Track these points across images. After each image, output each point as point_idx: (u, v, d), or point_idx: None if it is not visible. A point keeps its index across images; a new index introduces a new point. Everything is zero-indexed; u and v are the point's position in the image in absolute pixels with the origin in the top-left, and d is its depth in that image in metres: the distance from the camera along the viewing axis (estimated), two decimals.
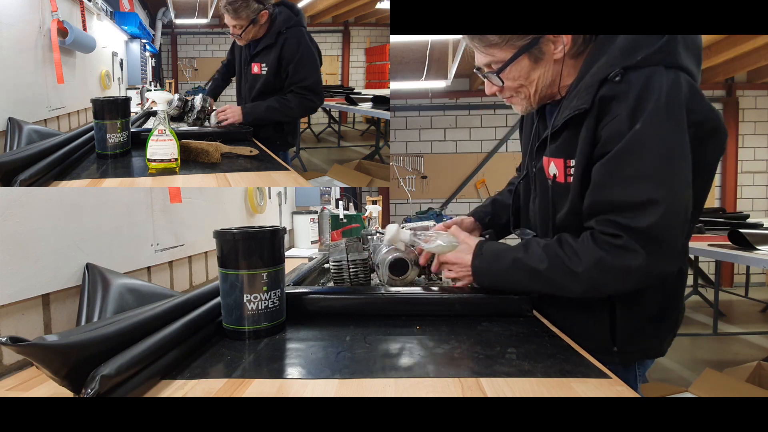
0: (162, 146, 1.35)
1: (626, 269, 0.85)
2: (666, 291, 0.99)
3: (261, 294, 0.91)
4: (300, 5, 4.95)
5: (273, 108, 1.89)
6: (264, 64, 1.90)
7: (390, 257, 1.29)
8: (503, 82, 0.99)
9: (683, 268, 1.04)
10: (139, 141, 1.58)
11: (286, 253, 2.36)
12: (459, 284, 1.11)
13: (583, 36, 0.94)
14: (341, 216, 2.70)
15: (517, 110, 1.06)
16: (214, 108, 2.00)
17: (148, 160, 1.35)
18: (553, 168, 0.98)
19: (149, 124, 2.17)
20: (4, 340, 0.55)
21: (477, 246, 1.04)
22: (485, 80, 1.02)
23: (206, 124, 2.00)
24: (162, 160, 1.35)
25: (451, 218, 1.37)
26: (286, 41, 1.85)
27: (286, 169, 1.49)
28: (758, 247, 1.92)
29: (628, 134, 0.82)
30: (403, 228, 1.23)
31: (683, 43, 0.88)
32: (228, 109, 1.87)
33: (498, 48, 0.95)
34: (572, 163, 0.93)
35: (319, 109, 5.49)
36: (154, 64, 4.04)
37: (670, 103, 0.83)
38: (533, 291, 0.99)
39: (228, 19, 1.83)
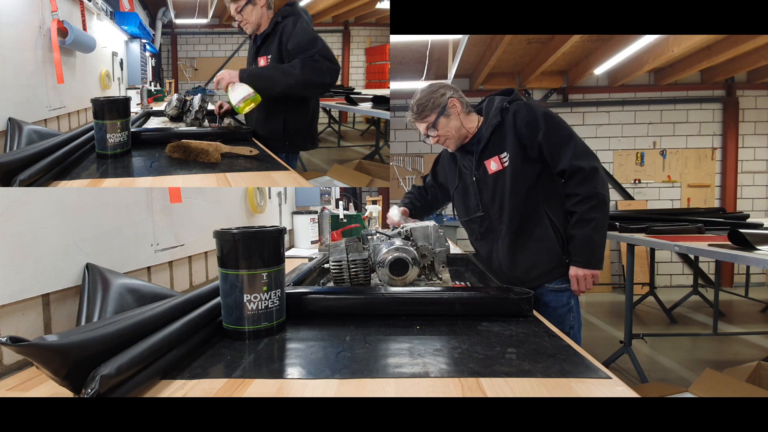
0: (240, 88, 1.64)
1: (602, 180, 1.54)
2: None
3: (261, 294, 0.91)
4: (300, 5, 4.98)
5: (274, 69, 1.80)
6: (269, 56, 1.91)
7: (390, 257, 1.29)
8: (438, 131, 1.63)
9: None
10: (139, 141, 1.58)
11: (286, 253, 2.36)
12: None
13: (465, 103, 1.65)
14: (341, 216, 2.70)
15: (450, 149, 1.71)
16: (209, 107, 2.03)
17: (235, 105, 1.66)
18: (492, 165, 1.61)
19: (149, 124, 2.18)
20: (4, 340, 0.55)
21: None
22: (429, 137, 1.66)
23: (204, 123, 2.02)
24: (245, 99, 1.65)
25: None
26: (284, 27, 1.88)
27: (286, 169, 1.49)
28: (758, 247, 1.92)
29: (541, 120, 1.53)
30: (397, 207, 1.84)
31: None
32: (224, 73, 1.78)
33: (428, 116, 1.61)
34: (503, 155, 1.58)
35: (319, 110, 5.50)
36: (154, 64, 4.04)
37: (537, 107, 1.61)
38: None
39: (229, 4, 1.86)
